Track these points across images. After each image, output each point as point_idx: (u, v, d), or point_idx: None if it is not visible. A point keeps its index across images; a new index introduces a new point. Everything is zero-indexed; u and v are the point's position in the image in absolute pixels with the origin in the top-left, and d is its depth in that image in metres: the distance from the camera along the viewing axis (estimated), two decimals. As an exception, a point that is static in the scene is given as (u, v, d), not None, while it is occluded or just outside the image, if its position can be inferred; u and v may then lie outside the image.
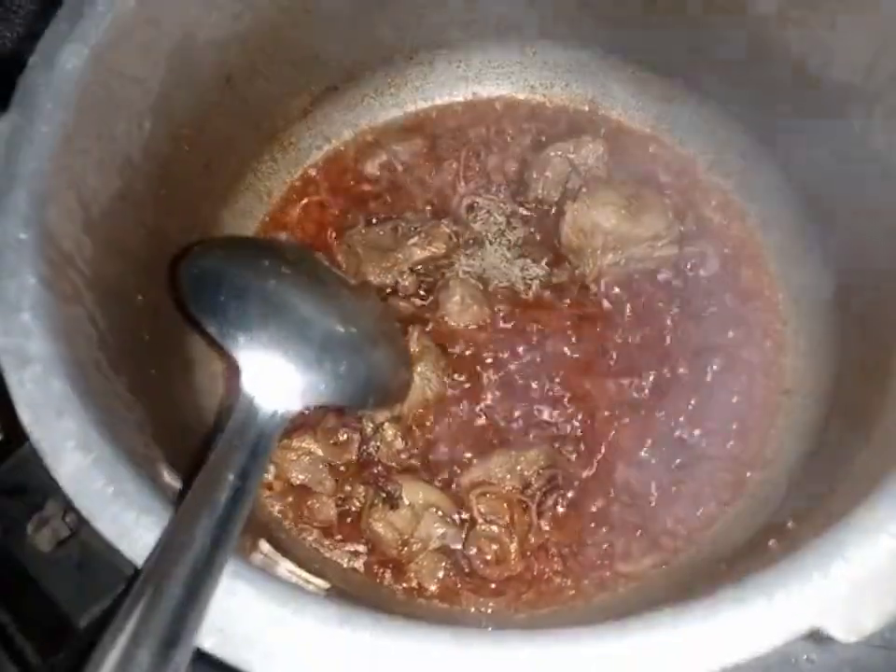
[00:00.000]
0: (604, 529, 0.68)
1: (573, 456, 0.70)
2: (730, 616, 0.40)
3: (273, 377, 0.55)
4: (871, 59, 0.65)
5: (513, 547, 0.66)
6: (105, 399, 0.52)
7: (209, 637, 0.40)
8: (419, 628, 0.40)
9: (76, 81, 0.55)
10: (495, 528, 0.66)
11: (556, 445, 0.70)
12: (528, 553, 0.67)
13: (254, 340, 0.56)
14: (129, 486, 0.44)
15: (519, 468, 0.68)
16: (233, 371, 0.57)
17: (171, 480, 0.52)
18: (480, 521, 0.67)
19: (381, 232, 0.78)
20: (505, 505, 0.67)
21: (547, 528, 0.68)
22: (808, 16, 0.68)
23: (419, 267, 0.77)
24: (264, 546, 0.51)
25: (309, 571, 0.54)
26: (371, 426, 0.70)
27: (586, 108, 0.87)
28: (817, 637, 0.40)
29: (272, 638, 0.40)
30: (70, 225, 0.56)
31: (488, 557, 0.66)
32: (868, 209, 0.67)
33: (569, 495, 0.69)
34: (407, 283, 0.76)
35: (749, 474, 0.71)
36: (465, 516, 0.68)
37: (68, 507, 0.43)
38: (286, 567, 0.52)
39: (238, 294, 0.58)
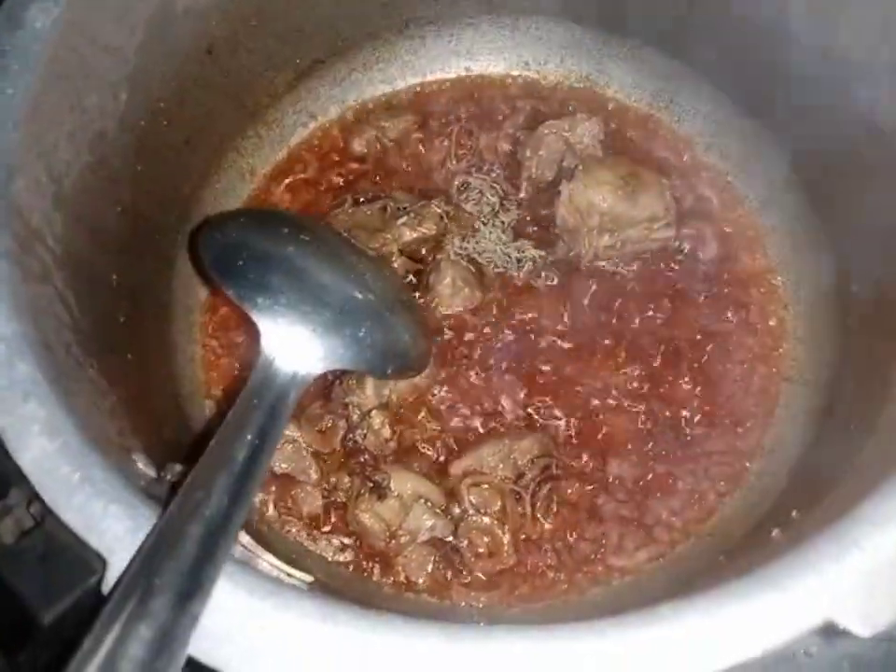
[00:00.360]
0: (598, 522, 0.67)
1: (567, 445, 0.69)
2: (735, 610, 0.39)
3: (292, 340, 0.57)
4: (876, 37, 0.64)
5: (506, 539, 0.64)
6: (75, 383, 0.50)
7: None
8: (406, 622, 0.39)
9: (44, 42, 0.54)
10: (486, 520, 0.64)
11: (550, 434, 0.69)
12: (521, 545, 0.65)
13: (274, 303, 0.58)
14: (97, 474, 0.42)
15: (512, 457, 0.66)
16: (253, 335, 0.57)
17: (146, 468, 0.50)
18: (471, 512, 0.65)
19: (369, 212, 0.76)
20: (497, 495, 0.65)
21: (540, 520, 0.66)
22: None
23: (409, 248, 0.74)
24: (244, 538, 0.49)
25: (292, 565, 0.52)
26: (358, 413, 0.68)
27: (581, 86, 0.85)
28: (820, 631, 0.39)
29: (251, 634, 0.38)
30: (39, 199, 0.54)
31: (480, 550, 0.65)
32: (871, 192, 0.65)
33: (563, 485, 0.67)
34: (397, 264, 0.74)
35: (748, 464, 0.69)
36: (455, 507, 0.66)
37: (33, 496, 0.41)
38: (267, 560, 0.50)
39: (259, 258, 0.60)
